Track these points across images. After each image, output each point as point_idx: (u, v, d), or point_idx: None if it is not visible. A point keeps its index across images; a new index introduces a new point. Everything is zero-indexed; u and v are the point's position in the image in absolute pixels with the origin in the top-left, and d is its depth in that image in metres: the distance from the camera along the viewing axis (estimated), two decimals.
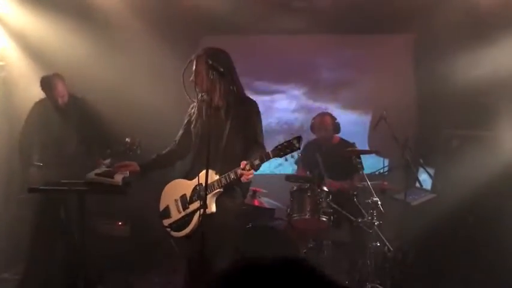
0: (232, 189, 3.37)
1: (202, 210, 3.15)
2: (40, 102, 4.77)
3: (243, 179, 3.19)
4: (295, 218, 4.68)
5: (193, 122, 3.54)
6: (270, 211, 5.17)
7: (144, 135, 4.72)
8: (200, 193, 3.28)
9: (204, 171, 3.21)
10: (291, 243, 4.70)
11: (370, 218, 4.55)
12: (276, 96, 6.64)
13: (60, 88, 4.65)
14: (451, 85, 5.47)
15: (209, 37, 6.53)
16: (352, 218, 4.64)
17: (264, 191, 5.26)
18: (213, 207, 3.28)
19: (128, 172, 3.56)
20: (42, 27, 5.26)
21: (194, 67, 3.38)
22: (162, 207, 3.57)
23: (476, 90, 5.30)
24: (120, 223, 5.49)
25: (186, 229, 3.38)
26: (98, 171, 3.57)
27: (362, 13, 6.06)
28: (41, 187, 3.65)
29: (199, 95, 3.45)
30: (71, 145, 4.63)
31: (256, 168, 3.18)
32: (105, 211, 5.34)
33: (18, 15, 5.26)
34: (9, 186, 5.35)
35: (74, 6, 5.28)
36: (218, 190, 3.29)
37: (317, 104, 6.62)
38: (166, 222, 3.50)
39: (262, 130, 3.48)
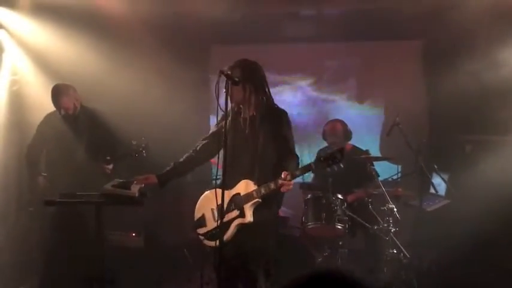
0: (268, 199, 3.36)
1: (241, 219, 3.25)
2: (51, 114, 4.78)
3: (283, 189, 3.20)
4: (310, 226, 4.65)
5: (225, 134, 3.44)
6: (285, 219, 5.15)
7: (153, 144, 4.75)
8: (238, 202, 3.32)
9: (242, 181, 3.30)
10: (306, 252, 4.67)
11: (386, 225, 4.53)
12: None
13: (70, 99, 4.64)
14: (463, 90, 5.44)
15: (219, 46, 6.57)
16: (367, 225, 4.61)
17: None
18: (250, 217, 3.29)
19: (142, 183, 3.56)
20: (55, 41, 5.30)
21: (225, 79, 3.33)
22: (197, 216, 3.56)
23: (489, 94, 5.27)
24: (133, 234, 5.47)
25: (222, 239, 3.31)
26: (114, 182, 3.56)
27: (370, 20, 6.06)
28: (58, 199, 3.64)
29: (233, 107, 3.46)
30: (80, 155, 4.63)
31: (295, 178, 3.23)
32: (118, 222, 5.33)
33: (31, 30, 5.30)
34: (21, 198, 5.36)
35: (85, 19, 5.31)
36: (257, 200, 3.29)
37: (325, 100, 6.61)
38: (201, 231, 3.49)
39: (293, 139, 3.49)
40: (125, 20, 5.53)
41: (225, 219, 3.34)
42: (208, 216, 3.49)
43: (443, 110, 5.90)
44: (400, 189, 4.85)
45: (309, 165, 3.21)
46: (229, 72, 3.23)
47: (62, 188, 4.08)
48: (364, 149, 5.08)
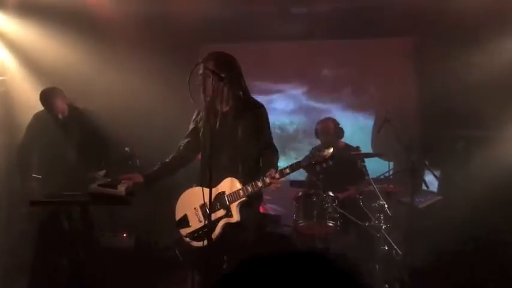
0: (252, 197, 3.30)
1: (227, 219, 3.19)
2: (39, 114, 4.75)
3: (272, 187, 3.16)
4: (302, 224, 4.63)
5: (201, 129, 3.47)
6: (276, 217, 5.12)
7: (144, 145, 4.72)
8: (223, 201, 3.26)
9: (226, 179, 3.24)
10: (298, 250, 4.64)
11: (377, 221, 4.51)
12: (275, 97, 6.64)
13: (59, 103, 4.63)
14: (454, 86, 5.44)
15: (208, 45, 6.52)
16: (359, 222, 4.59)
17: (268, 197, 5.22)
18: (237, 216, 3.23)
19: (131, 182, 3.51)
20: (43, 42, 5.27)
21: (201, 71, 3.30)
22: (179, 216, 3.46)
23: (481, 90, 5.26)
24: (124, 235, 5.43)
25: (209, 238, 3.26)
26: (100, 181, 3.51)
27: (361, 18, 6.05)
28: (43, 200, 3.60)
29: (206, 101, 3.38)
30: (70, 157, 4.59)
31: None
32: (109, 222, 5.29)
33: (19, 30, 5.27)
34: (11, 200, 5.32)
35: (74, 19, 5.28)
36: (243, 199, 3.23)
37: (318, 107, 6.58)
38: (184, 231, 3.39)
39: (271, 132, 3.47)
40: (114, 20, 5.50)
41: (212, 218, 3.24)
42: (192, 216, 3.39)
43: (434, 106, 5.89)
44: (391, 186, 4.83)
45: (298, 163, 3.17)
46: (216, 68, 3.18)
47: (54, 189, 4.04)
48: (355, 146, 5.06)
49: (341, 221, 4.61)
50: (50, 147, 4.63)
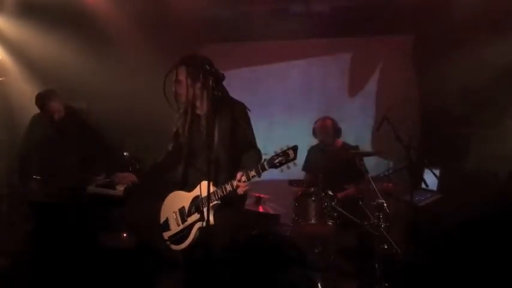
0: (230, 199, 3.24)
1: (201, 222, 3.15)
2: (38, 116, 4.77)
3: (239, 191, 3.11)
4: (301, 223, 4.63)
5: (181, 133, 3.44)
6: (275, 217, 5.12)
7: (142, 146, 4.72)
8: (198, 205, 3.25)
9: (202, 183, 3.17)
10: (298, 249, 4.63)
11: (376, 220, 4.50)
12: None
13: (55, 104, 4.65)
14: (454, 84, 5.43)
15: (209, 45, 6.53)
16: (358, 221, 4.59)
17: (267, 196, 5.22)
18: (211, 219, 3.17)
19: (130, 182, 3.52)
20: (41, 41, 5.27)
21: (175, 77, 3.27)
22: (162, 219, 3.50)
23: (480, 88, 5.26)
24: (124, 234, 5.43)
25: (185, 242, 3.31)
26: (98, 182, 3.53)
27: (361, 16, 6.04)
28: (42, 200, 3.61)
29: (182, 105, 3.37)
30: (68, 157, 4.60)
31: (252, 178, 3.09)
32: (109, 222, 5.29)
33: (15, 30, 5.27)
34: (10, 200, 5.33)
35: (72, 18, 5.28)
36: (216, 202, 3.19)
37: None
38: (166, 235, 3.44)
39: (253, 132, 3.38)
40: (113, 19, 5.50)
41: (187, 222, 3.32)
42: (172, 220, 3.42)
43: (434, 104, 5.88)
44: (390, 185, 4.82)
45: (262, 164, 3.04)
46: (192, 70, 3.19)
47: (53, 190, 4.05)
48: (354, 145, 5.06)
49: (340, 220, 4.61)
50: (48, 148, 4.64)
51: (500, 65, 5.17)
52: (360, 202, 4.73)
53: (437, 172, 5.18)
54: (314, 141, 5.37)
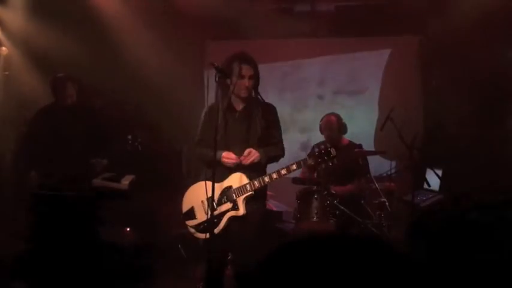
0: (260, 196, 3.47)
1: (234, 212, 3.33)
2: (45, 109, 4.81)
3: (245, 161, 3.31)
4: (303, 220, 4.65)
5: (219, 126, 3.47)
6: (278, 214, 5.14)
7: (146, 139, 4.76)
8: (230, 195, 3.38)
9: (235, 174, 3.37)
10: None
11: (377, 219, 4.52)
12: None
13: (70, 88, 4.72)
14: (458, 85, 5.44)
15: (213, 42, 6.56)
16: (359, 219, 4.61)
17: (271, 193, 5.24)
18: (243, 210, 3.35)
19: (134, 176, 3.58)
20: (49, 36, 5.29)
21: (239, 71, 3.39)
22: (185, 208, 3.57)
23: (485, 89, 5.26)
24: (128, 229, 5.45)
25: (214, 230, 3.39)
26: (104, 175, 3.56)
27: (366, 15, 6.05)
28: (48, 193, 3.64)
29: (222, 100, 3.48)
30: (75, 145, 4.64)
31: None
32: (112, 216, 5.32)
33: (22, 24, 5.30)
34: (15, 192, 5.36)
35: (80, 12, 5.31)
36: (250, 193, 3.35)
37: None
38: (190, 223, 3.51)
39: (281, 132, 3.60)
40: (119, 14, 5.53)
41: (217, 211, 3.39)
42: (198, 209, 3.49)
43: (438, 105, 5.90)
44: (393, 184, 4.84)
45: (305, 160, 3.33)
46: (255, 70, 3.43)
47: (55, 182, 4.08)
48: (358, 143, 5.06)
49: (342, 218, 4.63)
50: (54, 138, 4.67)
51: (506, 65, 5.18)
52: (362, 201, 4.75)
53: (439, 172, 5.20)
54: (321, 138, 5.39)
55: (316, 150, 3.32)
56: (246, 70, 3.40)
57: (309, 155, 3.35)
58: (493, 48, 5.31)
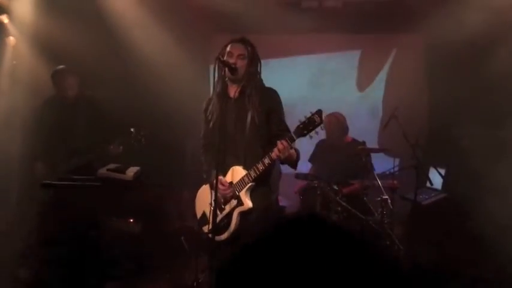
0: (262, 180, 3.25)
1: (241, 207, 3.20)
2: (50, 100, 4.86)
3: (280, 154, 3.05)
4: None
5: (213, 117, 3.39)
6: (281, 209, 5.16)
7: (153, 129, 4.79)
8: (234, 191, 3.26)
9: (231, 169, 3.25)
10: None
11: (379, 216, 4.54)
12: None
13: (70, 80, 4.75)
14: (463, 84, 5.44)
15: (220, 36, 6.56)
16: (362, 216, 4.63)
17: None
18: (249, 203, 3.22)
19: (139, 168, 3.57)
20: (57, 27, 5.31)
21: (231, 50, 3.27)
22: (199, 214, 3.48)
23: (489, 88, 5.26)
24: (131, 220, 5.49)
25: (228, 230, 3.29)
26: (109, 166, 3.59)
27: (372, 13, 6.05)
28: (54, 182, 3.68)
29: (218, 87, 3.34)
30: (79, 138, 4.68)
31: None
32: (116, 207, 5.35)
33: (32, 15, 5.32)
34: (21, 183, 5.39)
35: (87, 4, 5.33)
36: (250, 184, 3.22)
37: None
38: (206, 228, 3.37)
39: (285, 119, 3.39)
40: (126, 7, 5.55)
41: (226, 210, 3.31)
42: (209, 212, 3.34)
43: (442, 103, 5.90)
44: (396, 182, 4.86)
45: (290, 135, 3.05)
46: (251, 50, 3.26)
47: (60, 172, 4.12)
48: (361, 141, 5.09)
49: (344, 214, 4.65)
50: (59, 130, 4.71)
51: (510, 64, 5.17)
52: (365, 198, 4.78)
53: (442, 171, 5.22)
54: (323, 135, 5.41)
55: (299, 122, 3.05)
56: (234, 48, 3.25)
57: (294, 131, 3.06)
58: (499, 48, 5.29)
